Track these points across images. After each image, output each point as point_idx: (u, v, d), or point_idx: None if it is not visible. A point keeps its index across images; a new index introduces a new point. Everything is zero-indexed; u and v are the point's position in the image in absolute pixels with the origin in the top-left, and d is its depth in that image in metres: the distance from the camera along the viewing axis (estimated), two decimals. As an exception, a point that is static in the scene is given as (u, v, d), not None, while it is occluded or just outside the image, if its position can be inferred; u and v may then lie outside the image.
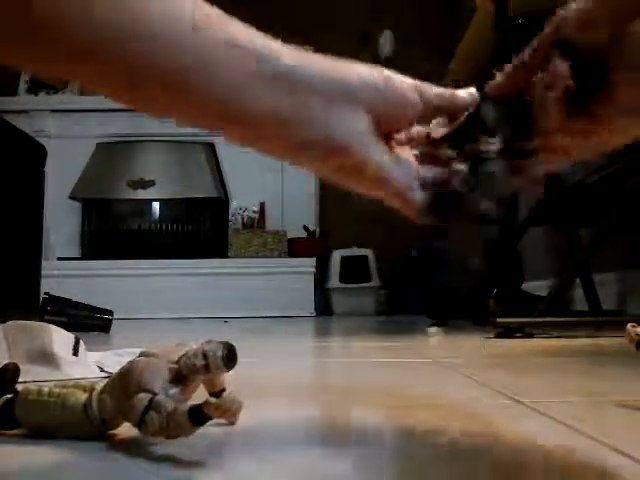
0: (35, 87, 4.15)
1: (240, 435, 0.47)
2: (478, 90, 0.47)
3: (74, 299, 2.10)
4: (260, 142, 0.45)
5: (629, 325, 0.57)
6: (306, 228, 4.00)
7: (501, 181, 0.44)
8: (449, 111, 0.46)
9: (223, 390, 0.47)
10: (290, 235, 3.98)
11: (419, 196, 0.45)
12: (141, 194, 3.98)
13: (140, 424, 0.40)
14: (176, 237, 4.02)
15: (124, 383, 0.43)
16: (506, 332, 1.56)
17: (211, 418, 0.38)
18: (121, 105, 0.44)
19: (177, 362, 0.43)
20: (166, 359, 0.44)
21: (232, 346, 0.42)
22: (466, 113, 0.45)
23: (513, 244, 2.52)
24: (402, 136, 0.47)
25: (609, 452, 0.41)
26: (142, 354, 0.46)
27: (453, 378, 0.85)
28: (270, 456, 0.42)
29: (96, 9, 0.38)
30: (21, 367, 0.50)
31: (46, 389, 0.46)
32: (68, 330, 0.89)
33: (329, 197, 3.96)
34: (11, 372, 0.48)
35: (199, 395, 0.44)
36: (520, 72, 0.47)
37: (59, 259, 3.93)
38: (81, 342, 0.89)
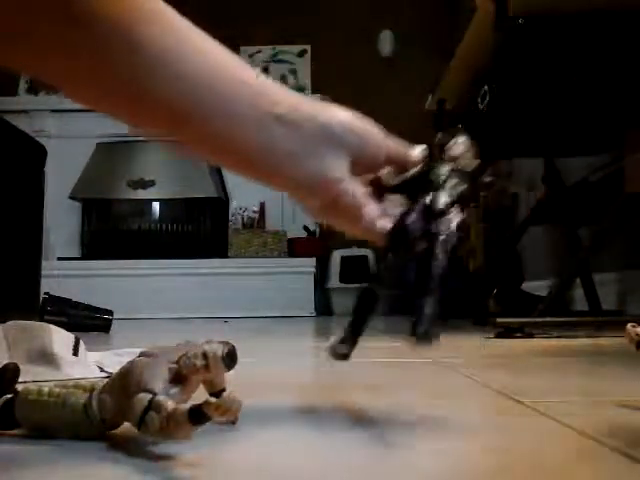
0: (35, 87, 4.15)
1: (240, 435, 0.47)
2: (430, 150, 0.54)
3: (74, 299, 2.10)
4: (254, 175, 0.51)
5: (629, 325, 0.57)
6: (306, 228, 4.00)
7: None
8: (401, 164, 0.53)
9: (223, 390, 0.47)
10: (290, 235, 3.98)
11: (387, 228, 0.51)
12: (141, 194, 3.98)
13: (140, 424, 0.40)
14: (176, 237, 4.02)
15: (124, 383, 0.43)
16: (506, 332, 1.56)
17: (211, 418, 0.38)
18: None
19: (177, 362, 0.43)
20: (166, 359, 0.44)
21: (232, 346, 0.42)
22: (418, 169, 0.53)
23: (513, 244, 2.53)
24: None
25: (609, 452, 0.41)
26: (142, 354, 0.46)
27: (453, 378, 0.85)
28: (270, 456, 0.42)
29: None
30: (21, 367, 0.50)
31: (46, 389, 0.46)
32: (68, 330, 0.89)
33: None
34: (11, 372, 0.48)
35: (199, 395, 0.44)
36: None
37: (59, 259, 3.93)
38: (81, 342, 0.89)
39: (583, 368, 0.99)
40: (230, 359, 0.42)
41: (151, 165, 4.01)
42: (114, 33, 0.42)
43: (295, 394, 0.66)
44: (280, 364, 1.08)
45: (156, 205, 4.07)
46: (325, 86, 4.25)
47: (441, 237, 0.49)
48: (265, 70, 4.42)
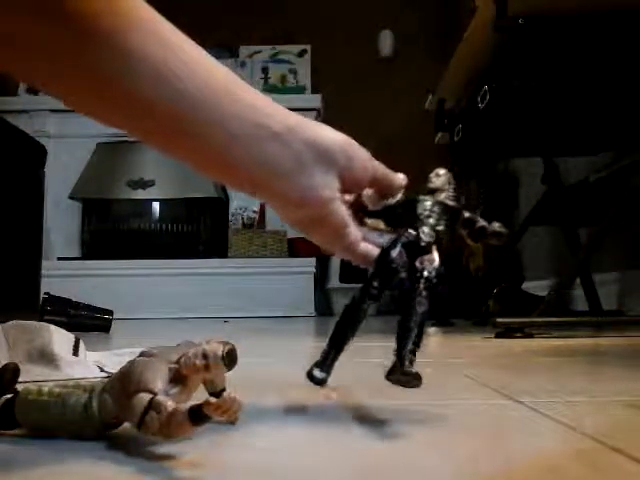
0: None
1: (240, 435, 0.47)
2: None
3: (74, 299, 2.10)
4: (241, 188, 0.51)
5: None
6: (306, 228, 4.00)
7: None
8: (383, 187, 0.54)
9: (223, 390, 0.47)
10: (290, 235, 3.98)
11: (370, 253, 0.53)
12: (141, 194, 3.98)
13: (140, 424, 0.40)
14: (176, 237, 4.02)
15: (124, 383, 0.43)
16: (506, 332, 1.56)
17: (211, 418, 0.38)
18: None
19: (177, 362, 0.43)
20: (166, 359, 0.44)
21: (232, 346, 0.42)
22: (401, 198, 0.55)
23: (513, 244, 2.52)
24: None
25: (610, 452, 0.41)
26: (142, 354, 0.46)
27: (453, 378, 0.85)
28: (270, 456, 0.42)
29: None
30: (21, 367, 0.50)
31: (46, 389, 0.46)
32: (68, 330, 0.89)
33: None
34: (11, 372, 0.48)
35: (199, 395, 0.44)
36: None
37: (59, 259, 3.93)
38: (81, 342, 0.89)
39: (583, 368, 0.99)
40: (230, 359, 0.42)
41: (151, 165, 4.00)
42: (98, 35, 0.41)
43: (295, 394, 0.66)
44: (280, 364, 1.08)
45: (156, 205, 4.06)
46: (325, 86, 4.25)
47: (425, 274, 0.50)
48: (265, 70, 4.43)
